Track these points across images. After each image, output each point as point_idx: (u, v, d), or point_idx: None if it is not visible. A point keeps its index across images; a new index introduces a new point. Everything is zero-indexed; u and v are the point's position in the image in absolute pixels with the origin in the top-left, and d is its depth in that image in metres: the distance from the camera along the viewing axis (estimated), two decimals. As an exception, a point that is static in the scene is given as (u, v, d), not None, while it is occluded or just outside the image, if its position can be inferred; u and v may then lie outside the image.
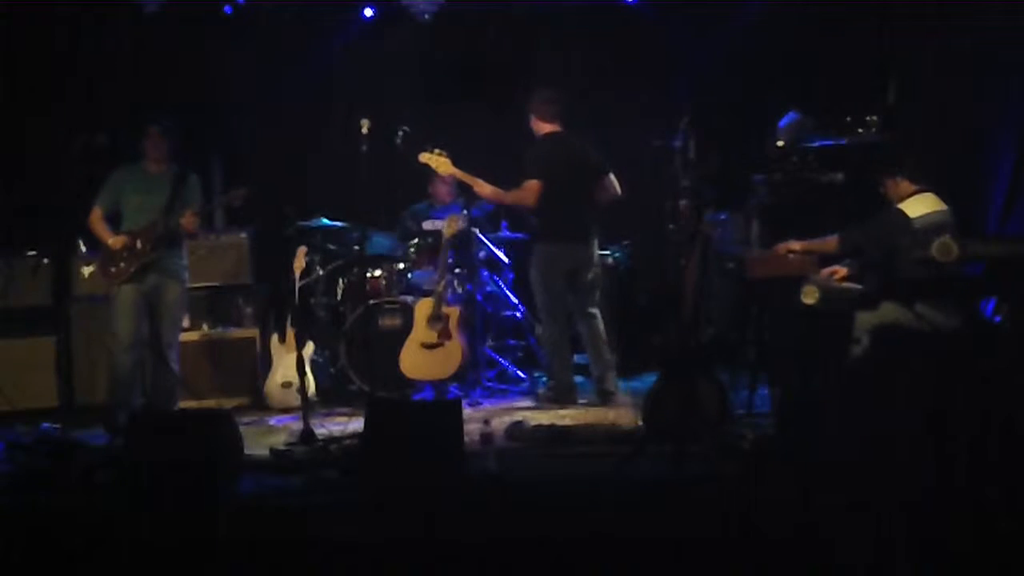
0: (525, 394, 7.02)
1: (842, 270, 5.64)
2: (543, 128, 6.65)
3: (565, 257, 6.55)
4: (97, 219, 6.08)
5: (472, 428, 5.10)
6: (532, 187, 6.47)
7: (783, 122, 6.34)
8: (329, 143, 7.65)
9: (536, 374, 7.43)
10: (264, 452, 5.36)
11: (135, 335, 5.99)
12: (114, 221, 6.11)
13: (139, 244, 5.96)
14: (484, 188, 6.59)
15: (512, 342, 7.53)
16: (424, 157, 6.55)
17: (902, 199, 5.42)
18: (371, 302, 6.93)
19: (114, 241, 5.99)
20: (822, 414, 4.60)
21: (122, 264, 5.96)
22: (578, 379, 6.80)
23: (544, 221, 6.57)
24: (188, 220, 5.98)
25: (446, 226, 6.78)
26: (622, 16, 7.96)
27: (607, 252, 7.30)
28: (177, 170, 6.14)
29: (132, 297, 5.97)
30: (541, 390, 6.81)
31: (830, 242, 5.55)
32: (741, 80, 7.59)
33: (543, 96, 6.65)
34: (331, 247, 7.41)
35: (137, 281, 5.97)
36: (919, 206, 5.35)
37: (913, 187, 5.42)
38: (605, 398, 6.53)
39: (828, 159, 6.11)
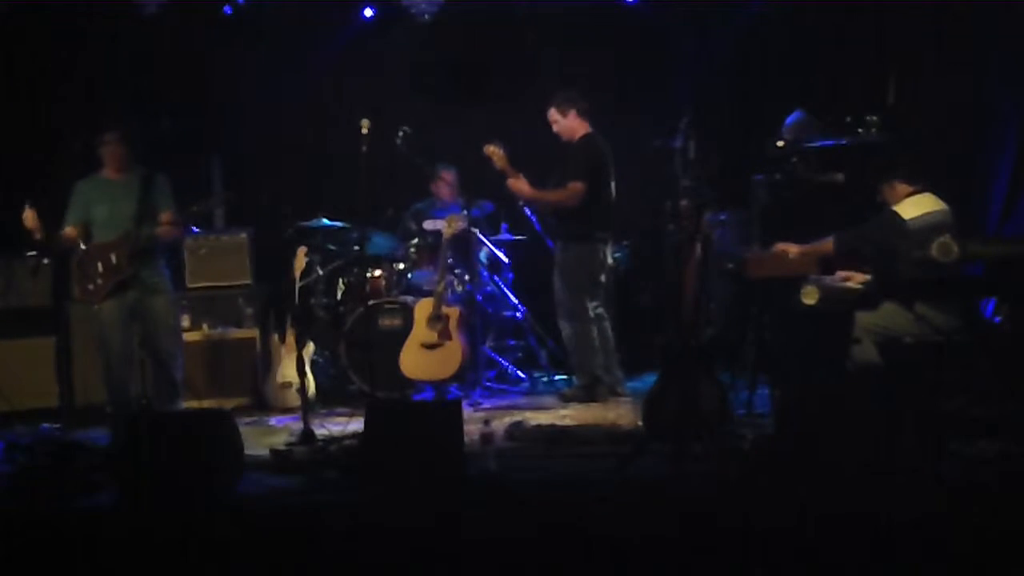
0: (527, 394, 7.04)
1: (858, 275, 5.62)
2: (582, 128, 6.69)
3: (598, 257, 6.63)
4: (72, 237, 5.86)
5: (472, 428, 5.09)
6: (577, 189, 6.51)
7: (789, 120, 6.35)
8: (329, 143, 7.65)
9: (536, 374, 7.43)
10: (264, 452, 5.36)
11: (125, 349, 5.86)
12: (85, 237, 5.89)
13: (114, 259, 5.75)
14: (524, 188, 6.64)
15: (512, 342, 7.53)
16: (489, 149, 6.58)
17: (899, 201, 5.42)
18: (371, 302, 6.93)
19: (91, 247, 5.76)
20: (822, 414, 4.61)
21: (99, 281, 5.77)
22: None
23: (582, 221, 6.58)
24: (165, 230, 5.82)
25: (446, 226, 6.78)
26: (622, 16, 7.96)
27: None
28: (143, 173, 5.90)
29: (115, 314, 5.80)
30: (567, 389, 6.82)
31: (826, 245, 5.54)
32: (741, 80, 7.59)
33: (578, 96, 6.71)
34: (331, 247, 7.41)
35: (118, 297, 5.78)
36: (915, 207, 5.35)
37: (910, 188, 5.42)
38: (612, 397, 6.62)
39: (828, 159, 6.11)
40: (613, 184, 6.69)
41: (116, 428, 5.83)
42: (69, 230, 5.82)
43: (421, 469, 4.51)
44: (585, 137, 6.68)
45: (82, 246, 5.82)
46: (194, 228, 7.19)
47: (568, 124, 6.68)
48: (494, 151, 6.57)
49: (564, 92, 6.74)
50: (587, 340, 6.61)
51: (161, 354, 5.95)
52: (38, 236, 5.78)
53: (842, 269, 5.67)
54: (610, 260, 6.79)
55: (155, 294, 5.90)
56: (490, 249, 7.28)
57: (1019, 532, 3.85)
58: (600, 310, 6.72)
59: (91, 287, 5.81)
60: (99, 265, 5.80)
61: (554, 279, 6.71)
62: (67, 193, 5.92)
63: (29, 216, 5.75)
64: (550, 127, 6.78)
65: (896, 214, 5.33)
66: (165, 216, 5.88)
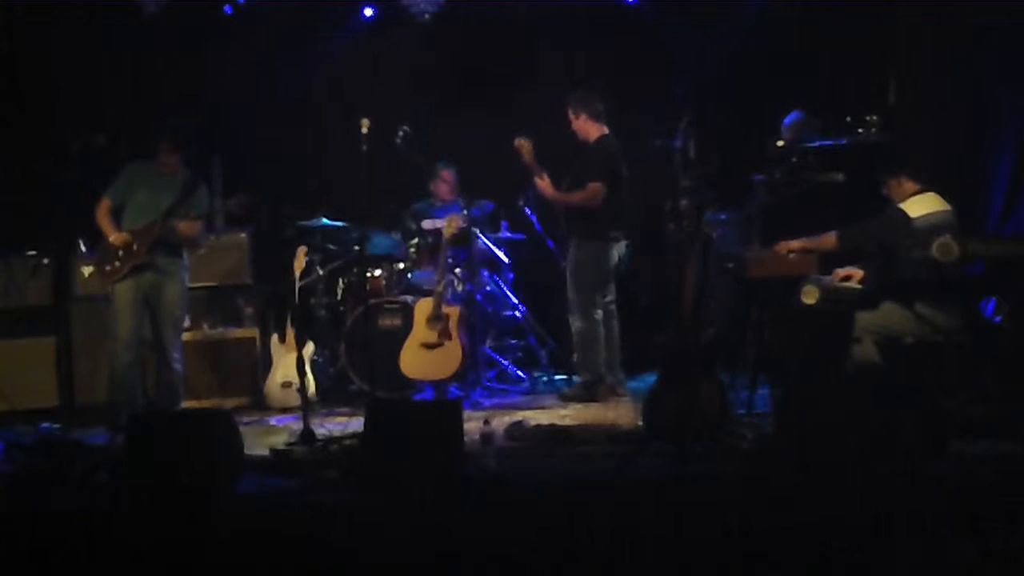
0: (527, 393, 7.04)
1: (857, 272, 5.62)
2: (596, 130, 6.71)
3: (610, 255, 6.67)
4: (104, 211, 6.03)
5: (472, 428, 5.09)
6: (597, 190, 6.56)
7: (787, 120, 6.34)
8: (329, 143, 7.65)
9: (536, 374, 7.43)
10: (264, 452, 5.36)
11: (134, 333, 5.98)
12: (118, 216, 6.06)
13: (136, 245, 5.93)
14: (547, 187, 6.66)
15: (512, 342, 7.53)
16: (519, 142, 6.59)
17: (904, 198, 5.42)
18: (371, 302, 6.93)
19: (115, 237, 5.95)
20: (822, 414, 4.61)
21: (117, 263, 5.94)
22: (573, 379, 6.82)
23: (595, 220, 6.60)
24: (186, 226, 5.97)
25: (446, 226, 6.78)
26: (622, 16, 7.96)
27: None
28: (189, 176, 6.11)
29: (130, 295, 5.95)
30: (567, 389, 6.82)
31: (828, 239, 5.55)
32: (741, 80, 7.59)
33: (593, 97, 6.73)
34: (331, 247, 7.41)
35: (134, 279, 5.95)
36: (920, 206, 5.35)
37: (916, 186, 5.42)
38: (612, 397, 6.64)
39: (828, 159, 6.11)
40: (623, 184, 6.72)
41: (115, 426, 5.83)
42: (115, 237, 5.95)
43: (421, 469, 4.51)
44: (601, 139, 6.70)
45: (111, 236, 5.96)
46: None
47: (581, 125, 6.71)
48: (523, 144, 6.60)
49: (580, 93, 6.75)
50: (594, 338, 6.64)
51: (164, 343, 6.03)
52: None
53: (843, 267, 5.68)
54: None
55: (170, 280, 6.03)
56: (490, 249, 7.27)
57: (1019, 532, 3.85)
58: (612, 307, 6.76)
59: (108, 268, 5.96)
60: (120, 250, 5.93)
61: (566, 276, 6.72)
62: (116, 173, 6.09)
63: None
64: (551, 127, 6.79)
65: (902, 212, 5.34)
66: (197, 223, 6.04)
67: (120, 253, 5.94)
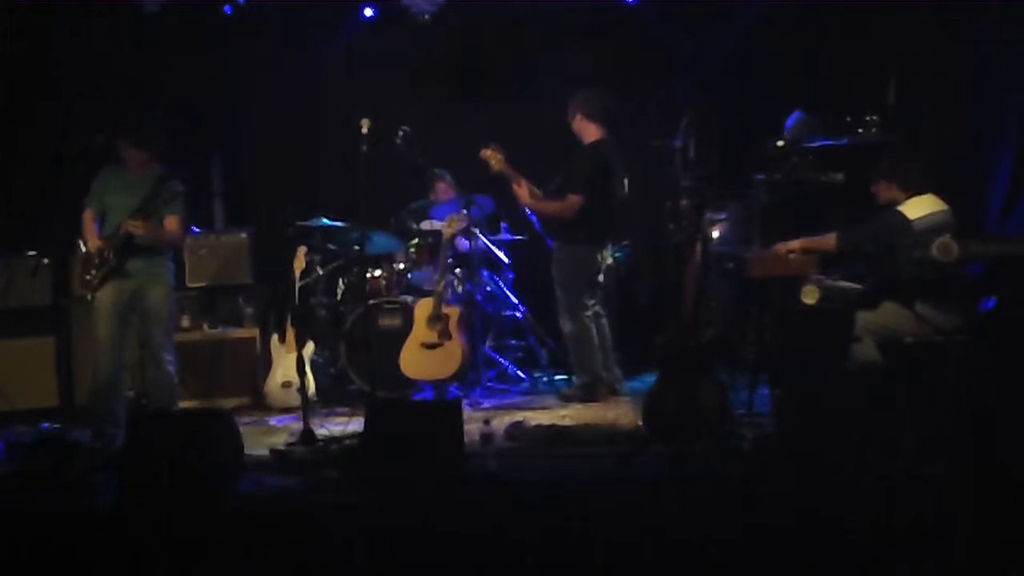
0: (527, 393, 7.04)
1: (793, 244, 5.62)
2: (593, 132, 6.63)
3: (595, 259, 6.63)
4: (88, 221, 5.94)
5: (472, 428, 5.09)
6: (574, 203, 6.50)
7: (790, 121, 6.34)
8: (329, 143, 7.65)
9: (536, 374, 7.43)
10: (264, 452, 5.36)
11: (115, 339, 5.87)
12: (103, 223, 5.98)
13: (106, 251, 5.84)
14: (523, 194, 6.62)
15: (512, 342, 7.52)
16: (485, 154, 6.53)
17: (897, 203, 5.42)
18: (371, 302, 6.93)
19: (92, 244, 5.88)
20: (822, 414, 4.62)
21: (94, 271, 5.85)
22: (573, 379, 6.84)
23: (579, 225, 6.56)
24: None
25: (446, 226, 6.78)
26: (622, 16, 7.95)
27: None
28: (159, 175, 5.94)
29: (109, 301, 5.85)
30: (567, 389, 6.82)
31: (828, 240, 5.55)
32: (741, 80, 7.59)
33: (596, 97, 6.64)
34: (331, 247, 7.41)
35: (114, 286, 5.85)
36: (919, 207, 5.35)
37: (904, 194, 5.43)
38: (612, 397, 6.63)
39: (828, 159, 6.11)
40: (624, 185, 6.67)
41: (102, 433, 5.81)
42: (92, 243, 5.89)
43: (421, 469, 4.51)
44: (592, 144, 6.63)
45: (82, 248, 5.88)
46: (194, 229, 7.19)
47: (576, 127, 6.66)
48: (491, 155, 6.52)
49: (583, 92, 6.67)
50: (587, 339, 6.62)
51: (153, 345, 5.95)
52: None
53: (844, 267, 5.67)
54: (609, 260, 6.79)
55: (152, 282, 5.92)
56: (490, 249, 7.27)
57: (1019, 532, 3.85)
58: (598, 308, 6.74)
59: (87, 277, 5.88)
60: (96, 258, 5.87)
61: (553, 278, 6.72)
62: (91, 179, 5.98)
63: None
64: (550, 127, 6.78)
65: (901, 214, 5.34)
66: (169, 221, 5.91)
67: (96, 261, 5.86)
